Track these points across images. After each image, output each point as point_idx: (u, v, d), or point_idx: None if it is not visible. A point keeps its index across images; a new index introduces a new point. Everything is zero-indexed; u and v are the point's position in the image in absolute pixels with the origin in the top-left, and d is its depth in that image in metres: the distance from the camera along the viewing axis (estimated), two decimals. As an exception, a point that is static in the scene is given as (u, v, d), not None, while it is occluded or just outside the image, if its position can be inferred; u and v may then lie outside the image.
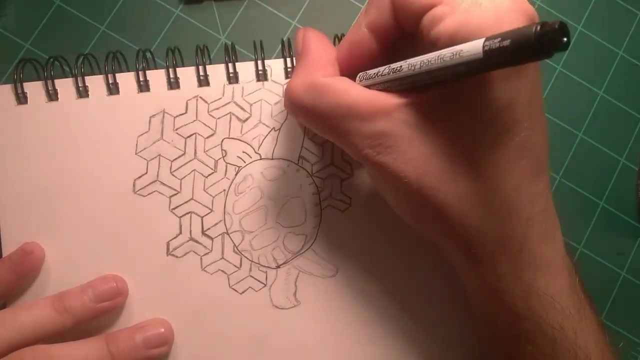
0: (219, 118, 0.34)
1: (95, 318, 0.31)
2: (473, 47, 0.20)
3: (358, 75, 0.26)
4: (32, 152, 0.33)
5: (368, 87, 0.26)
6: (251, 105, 0.34)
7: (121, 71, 0.34)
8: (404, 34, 0.25)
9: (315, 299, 0.33)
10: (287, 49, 0.34)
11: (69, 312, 0.30)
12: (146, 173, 0.33)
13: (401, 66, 0.23)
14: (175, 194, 0.33)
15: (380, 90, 0.25)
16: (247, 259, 0.33)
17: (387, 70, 0.24)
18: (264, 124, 0.34)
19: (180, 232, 0.33)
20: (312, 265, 0.33)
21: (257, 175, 0.34)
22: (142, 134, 0.33)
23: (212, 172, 0.34)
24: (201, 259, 0.33)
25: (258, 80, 0.34)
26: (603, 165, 0.38)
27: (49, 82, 0.33)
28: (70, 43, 0.36)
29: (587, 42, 0.39)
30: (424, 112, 0.24)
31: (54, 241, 0.32)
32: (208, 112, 0.34)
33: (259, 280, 0.33)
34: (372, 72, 0.25)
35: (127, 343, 0.30)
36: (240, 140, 0.34)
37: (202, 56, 0.34)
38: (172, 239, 0.33)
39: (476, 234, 0.24)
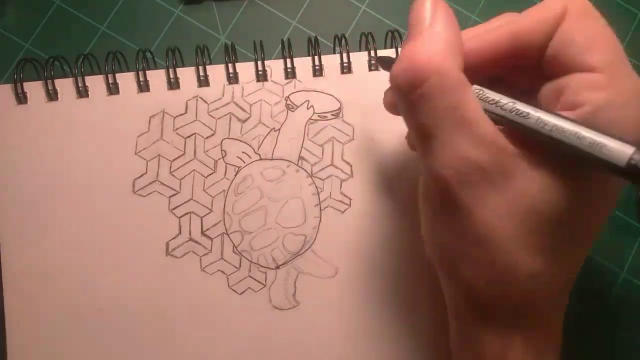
0: (218, 118, 0.34)
1: None
2: (617, 151, 0.18)
3: (473, 87, 0.22)
4: (31, 152, 0.33)
5: None
6: (251, 105, 0.34)
7: (121, 71, 0.34)
8: (537, 63, 0.23)
9: (314, 300, 0.33)
10: (287, 49, 0.34)
11: None
12: (146, 173, 0.33)
13: (529, 113, 0.21)
14: (175, 194, 0.33)
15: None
16: (247, 259, 0.33)
17: (511, 108, 0.21)
18: (263, 124, 0.34)
19: (180, 233, 0.33)
20: (311, 266, 0.33)
21: (256, 175, 0.34)
22: (141, 134, 0.33)
23: (212, 173, 0.34)
24: (200, 259, 0.33)
25: (258, 80, 0.34)
26: (603, 165, 0.38)
27: (49, 82, 0.33)
28: (70, 43, 0.36)
29: (587, 42, 0.39)
30: (538, 174, 0.21)
31: (53, 240, 0.33)
32: (208, 112, 0.34)
33: (258, 281, 0.33)
34: (490, 96, 0.22)
35: None
36: (240, 141, 0.34)
37: (202, 56, 0.34)
38: (172, 239, 0.33)
39: (500, 302, 0.23)
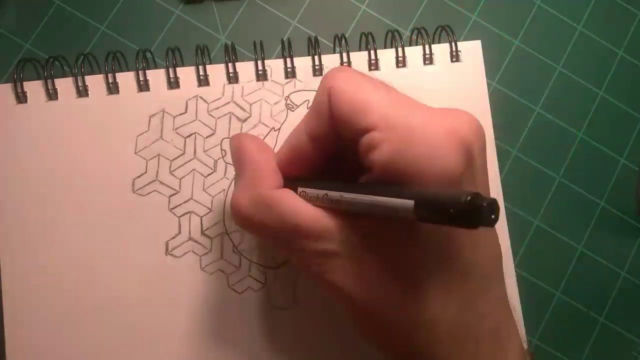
0: (218, 118, 0.34)
1: None
2: (404, 209, 0.19)
3: (298, 191, 0.25)
4: (31, 151, 0.33)
5: None
6: (251, 105, 0.34)
7: (121, 71, 0.34)
8: (344, 143, 0.24)
9: (314, 299, 0.33)
10: (287, 49, 0.34)
11: None
12: (145, 172, 0.33)
13: (339, 200, 0.23)
14: (175, 194, 0.33)
15: (322, 207, 0.24)
16: (246, 258, 0.33)
17: (326, 199, 0.24)
18: (263, 124, 0.34)
19: (180, 232, 0.33)
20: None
21: (256, 175, 0.34)
22: (141, 134, 0.33)
23: (212, 172, 0.34)
24: (200, 258, 0.33)
25: (258, 80, 0.34)
26: (603, 165, 0.38)
27: (49, 81, 0.33)
28: (70, 43, 0.36)
29: (587, 42, 0.39)
30: (366, 237, 0.23)
31: (53, 240, 0.32)
32: (208, 111, 0.34)
33: (258, 280, 0.33)
34: (311, 194, 0.24)
35: None
36: (240, 140, 0.34)
37: (202, 56, 0.34)
38: (171, 238, 0.33)
39: (426, 355, 0.24)
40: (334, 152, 0.25)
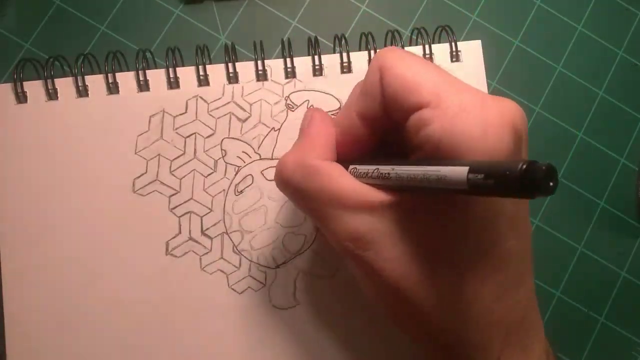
0: (218, 118, 0.34)
1: None
2: (457, 176, 0.19)
3: (349, 168, 0.25)
4: (31, 151, 0.33)
5: None
6: (251, 105, 0.34)
7: (121, 71, 0.34)
8: (394, 124, 0.24)
9: (314, 299, 0.33)
10: (287, 49, 0.34)
11: None
12: (146, 172, 0.33)
13: (389, 173, 0.23)
14: (175, 194, 0.33)
15: (372, 184, 0.24)
16: (247, 258, 0.33)
17: (376, 174, 0.24)
18: (263, 124, 0.34)
19: (180, 232, 0.33)
20: (311, 266, 0.33)
21: (256, 175, 0.34)
22: (141, 134, 0.33)
23: (212, 172, 0.34)
24: (200, 258, 0.33)
25: (258, 80, 0.34)
26: (603, 165, 0.38)
27: (49, 81, 0.33)
28: (70, 43, 0.36)
29: (587, 42, 0.39)
30: (410, 214, 0.23)
31: (53, 240, 0.32)
32: (208, 111, 0.34)
33: (258, 280, 0.33)
34: (362, 169, 0.25)
35: None
36: (240, 140, 0.34)
37: (202, 56, 0.34)
38: (172, 238, 0.33)
39: (453, 340, 0.24)
40: (384, 134, 0.26)
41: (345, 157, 0.26)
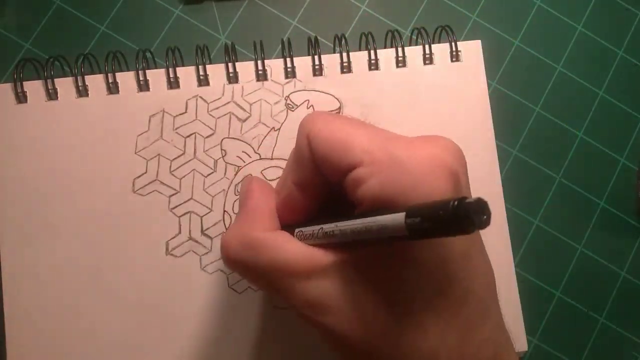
0: (218, 118, 0.34)
1: None
2: (396, 223, 0.19)
3: (295, 232, 0.25)
4: (31, 151, 0.33)
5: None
6: (251, 105, 0.34)
7: (121, 71, 0.34)
8: (332, 186, 0.24)
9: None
10: (287, 49, 0.34)
11: None
12: (145, 172, 0.33)
13: (333, 230, 0.23)
14: (175, 194, 0.33)
15: (319, 245, 0.24)
16: (247, 258, 0.33)
17: (321, 233, 0.23)
18: (263, 123, 0.34)
19: (180, 232, 0.33)
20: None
21: (256, 175, 0.34)
22: (141, 134, 0.33)
23: (212, 172, 0.34)
24: (200, 258, 0.33)
25: (258, 80, 0.34)
26: (603, 165, 0.38)
27: (49, 81, 0.33)
28: (70, 43, 0.36)
29: (587, 42, 0.39)
30: (361, 269, 0.23)
31: (53, 240, 0.32)
32: (208, 111, 0.34)
33: (258, 280, 0.33)
34: (307, 231, 0.24)
35: None
36: (240, 140, 0.34)
37: (202, 56, 0.34)
38: (171, 238, 0.33)
39: None
40: (324, 196, 0.25)
41: (289, 223, 0.26)
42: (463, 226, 0.17)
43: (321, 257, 0.23)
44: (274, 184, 0.33)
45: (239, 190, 0.28)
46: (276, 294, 0.25)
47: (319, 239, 0.24)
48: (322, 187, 0.25)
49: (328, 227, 0.23)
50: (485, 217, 0.17)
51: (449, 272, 0.22)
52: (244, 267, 0.25)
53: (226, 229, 0.33)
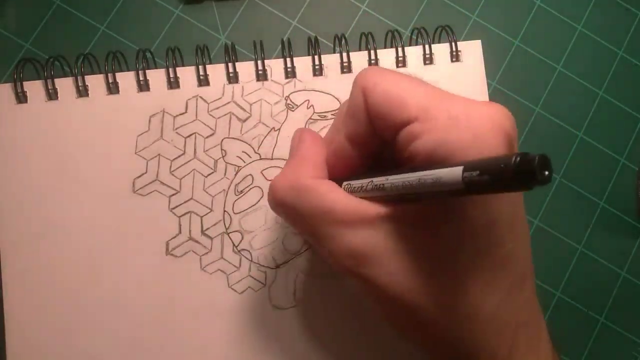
0: (218, 118, 0.34)
1: None
2: (452, 176, 0.19)
3: (343, 184, 0.25)
4: (31, 151, 0.33)
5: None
6: (251, 105, 0.34)
7: (121, 71, 0.34)
8: (384, 143, 0.24)
9: (314, 299, 0.33)
10: (287, 49, 0.34)
11: None
12: (146, 172, 0.33)
13: (383, 184, 0.23)
14: (175, 194, 0.33)
15: (366, 198, 0.24)
16: (247, 258, 0.33)
17: (371, 186, 0.23)
18: (263, 123, 0.34)
19: (180, 232, 0.33)
20: (311, 266, 0.33)
21: (256, 175, 0.34)
22: (141, 134, 0.33)
23: (212, 172, 0.34)
24: (200, 258, 0.33)
25: (258, 80, 0.34)
26: (603, 165, 0.38)
27: (49, 81, 0.33)
28: (70, 43, 0.36)
29: (587, 42, 0.39)
30: (407, 225, 0.23)
31: (53, 240, 0.32)
32: (208, 111, 0.34)
33: (258, 280, 0.33)
34: (356, 184, 0.24)
35: None
36: (240, 140, 0.34)
37: (202, 56, 0.34)
38: (172, 238, 0.33)
39: (463, 347, 0.24)
40: (374, 151, 0.25)
41: (337, 176, 0.26)
42: (525, 181, 0.16)
43: (368, 208, 0.23)
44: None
45: (291, 140, 0.29)
46: (318, 241, 0.25)
47: (367, 192, 0.24)
48: (373, 143, 0.25)
49: (378, 179, 0.23)
50: (547, 173, 0.16)
51: (494, 234, 0.23)
52: (290, 211, 0.25)
53: (226, 229, 0.33)
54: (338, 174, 0.26)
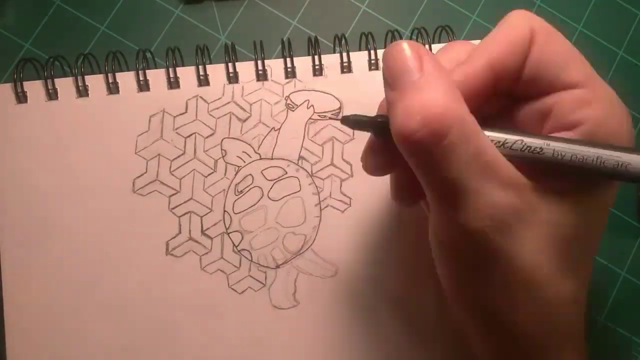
0: (218, 118, 0.34)
1: None
2: (637, 163, 0.19)
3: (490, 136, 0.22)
4: (31, 151, 0.33)
5: None
6: (251, 105, 0.34)
7: (121, 71, 0.34)
8: (517, 87, 0.23)
9: (314, 300, 0.33)
10: (287, 49, 0.34)
11: None
12: (146, 172, 0.33)
13: (542, 148, 0.21)
14: (175, 194, 0.33)
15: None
16: (247, 259, 0.33)
17: (520, 146, 0.21)
18: (263, 123, 0.34)
19: (180, 232, 0.33)
20: (311, 266, 0.33)
21: (256, 175, 0.34)
22: (141, 134, 0.33)
23: (212, 172, 0.34)
24: (200, 258, 0.33)
25: (258, 80, 0.34)
26: (603, 165, 0.38)
27: (49, 81, 0.33)
28: (70, 43, 0.36)
29: (587, 42, 0.39)
30: (556, 200, 0.22)
31: (54, 240, 0.32)
32: (208, 111, 0.34)
33: (258, 280, 0.33)
34: (495, 137, 0.21)
35: None
36: (240, 140, 0.34)
37: (202, 56, 0.34)
38: (172, 238, 0.33)
39: (536, 334, 0.23)
40: (490, 94, 0.23)
41: None
42: None
43: (517, 173, 0.21)
44: (274, 183, 0.34)
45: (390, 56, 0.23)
46: (458, 193, 0.21)
47: (513, 152, 0.21)
48: (511, 83, 0.23)
49: (533, 143, 0.21)
50: None
51: (604, 222, 0.23)
52: (440, 153, 0.20)
53: (226, 229, 0.33)
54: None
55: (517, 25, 0.23)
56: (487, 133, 0.21)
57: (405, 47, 0.21)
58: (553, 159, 0.21)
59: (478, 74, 0.22)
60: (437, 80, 0.21)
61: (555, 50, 0.22)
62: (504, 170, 0.21)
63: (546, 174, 0.22)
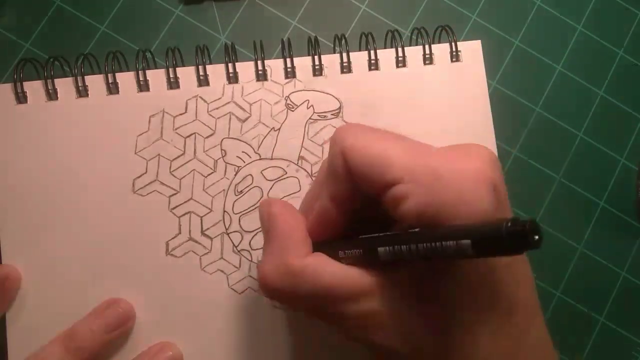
0: (218, 118, 0.34)
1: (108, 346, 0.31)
2: (464, 248, 0.19)
3: (339, 253, 0.24)
4: (31, 151, 0.33)
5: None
6: (251, 105, 0.34)
7: (121, 71, 0.34)
8: (368, 198, 0.24)
9: (314, 299, 0.33)
10: (287, 49, 0.34)
11: (83, 350, 0.30)
12: (145, 172, 0.33)
13: (379, 252, 0.22)
14: (175, 194, 0.33)
15: (357, 264, 0.24)
16: (247, 259, 0.33)
17: (357, 254, 0.23)
18: (263, 123, 0.34)
19: (180, 232, 0.33)
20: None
21: (256, 175, 0.34)
22: (141, 134, 0.33)
23: (212, 172, 0.34)
24: (200, 258, 0.33)
25: (258, 80, 0.34)
26: (603, 165, 0.38)
27: (49, 81, 0.33)
28: (70, 43, 0.36)
29: (587, 42, 0.39)
30: (406, 287, 0.23)
31: (53, 240, 0.32)
32: (208, 111, 0.34)
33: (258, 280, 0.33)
34: (352, 253, 0.24)
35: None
36: (240, 140, 0.34)
37: (202, 56, 0.34)
38: (171, 238, 0.33)
39: None
40: (358, 207, 0.25)
41: (321, 239, 0.25)
42: (515, 247, 0.17)
43: (364, 278, 0.23)
44: (273, 183, 0.34)
45: (259, 215, 0.28)
46: (325, 320, 0.24)
47: (358, 259, 0.23)
48: (356, 200, 0.24)
49: (383, 250, 0.22)
50: (537, 237, 0.17)
51: (494, 284, 0.22)
52: (287, 297, 0.25)
53: (226, 229, 0.33)
54: (322, 237, 0.25)
55: (332, 155, 0.24)
56: (348, 251, 0.24)
57: (262, 209, 0.27)
58: (386, 256, 0.22)
59: (327, 209, 0.25)
60: (272, 241, 0.26)
61: (364, 157, 0.23)
62: (350, 288, 0.23)
63: (402, 266, 0.23)
